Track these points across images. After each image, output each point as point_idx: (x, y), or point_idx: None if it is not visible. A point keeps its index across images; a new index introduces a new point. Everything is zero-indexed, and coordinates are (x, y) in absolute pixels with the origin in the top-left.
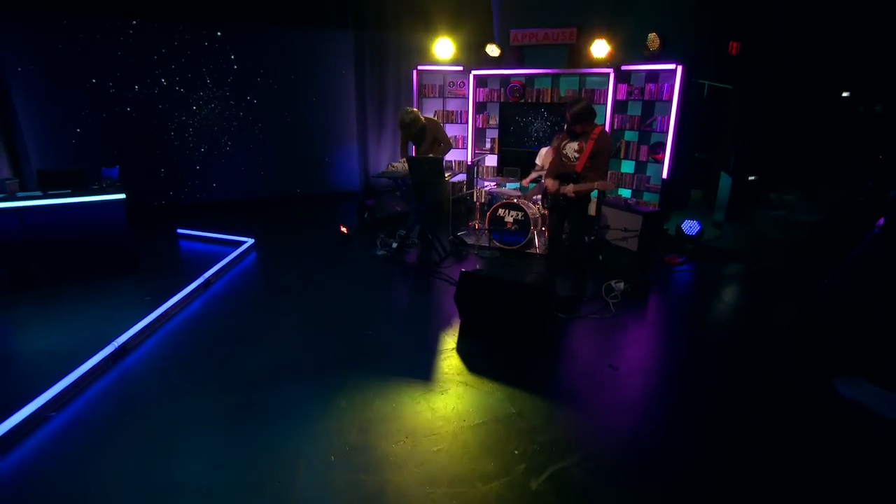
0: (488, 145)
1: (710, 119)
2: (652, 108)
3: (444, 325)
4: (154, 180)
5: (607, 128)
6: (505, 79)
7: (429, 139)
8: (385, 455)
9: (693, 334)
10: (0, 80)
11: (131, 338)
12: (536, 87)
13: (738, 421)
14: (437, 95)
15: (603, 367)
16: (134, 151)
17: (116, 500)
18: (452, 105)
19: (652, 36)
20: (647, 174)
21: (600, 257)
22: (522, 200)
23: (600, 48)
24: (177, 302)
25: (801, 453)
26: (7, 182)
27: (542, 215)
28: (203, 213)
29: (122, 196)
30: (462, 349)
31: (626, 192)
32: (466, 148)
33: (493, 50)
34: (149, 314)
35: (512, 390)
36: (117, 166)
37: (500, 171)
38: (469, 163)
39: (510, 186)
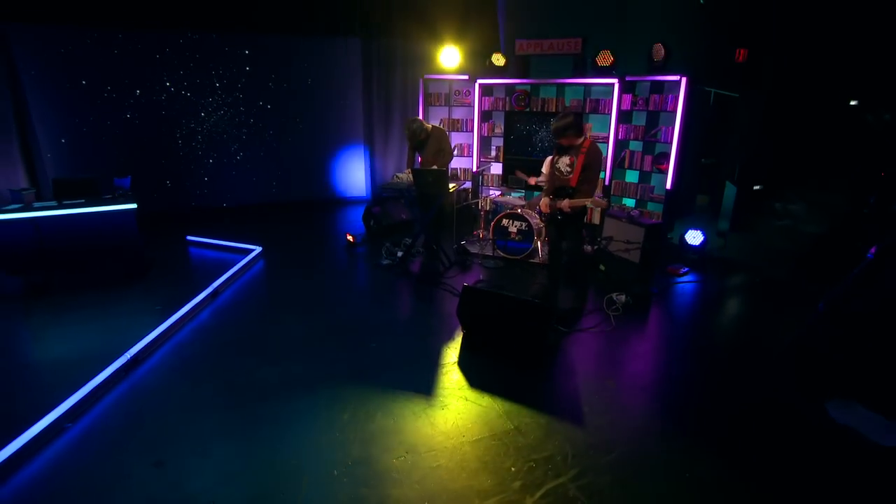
0: (493, 153)
1: (716, 125)
2: (657, 118)
3: (446, 337)
4: (164, 185)
5: (612, 137)
6: (510, 88)
7: (434, 147)
8: (386, 469)
9: (692, 350)
10: (17, 90)
11: (143, 349)
12: (542, 96)
13: (730, 444)
14: (444, 104)
15: (601, 383)
16: (145, 157)
17: None
18: (458, 113)
19: (657, 46)
20: (652, 184)
21: (602, 267)
22: (526, 211)
23: (605, 58)
24: (186, 312)
25: (790, 478)
26: (24, 192)
27: (546, 224)
28: (212, 217)
29: (134, 206)
30: (463, 363)
31: (630, 202)
32: (472, 156)
33: (498, 59)
34: (159, 325)
35: (511, 406)
36: (129, 176)
37: (506, 179)
38: (474, 171)
39: (514, 195)
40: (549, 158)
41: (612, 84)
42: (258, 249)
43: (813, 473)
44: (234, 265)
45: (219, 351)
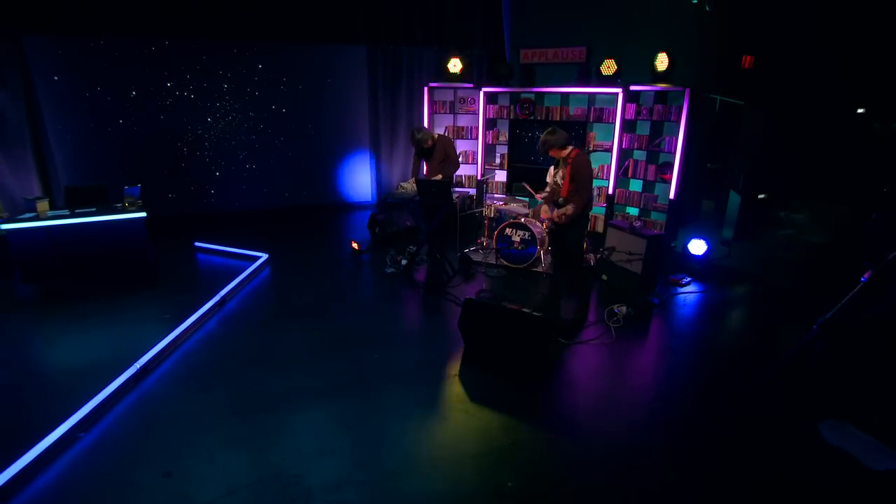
0: (498, 161)
1: (722, 130)
2: (661, 128)
3: (448, 349)
4: (173, 190)
5: (616, 146)
6: (515, 96)
7: (439, 156)
8: (388, 481)
9: (691, 364)
10: (31, 99)
11: (152, 358)
12: (546, 104)
13: (725, 462)
14: (448, 111)
15: (600, 397)
16: (153, 162)
17: None
18: (463, 121)
19: (661, 56)
20: (655, 193)
21: (604, 277)
22: (529, 220)
23: (609, 67)
24: (194, 322)
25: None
26: (37, 202)
27: (548, 234)
28: (220, 222)
29: (143, 214)
30: (464, 375)
31: (633, 211)
32: (476, 163)
33: (503, 68)
34: (168, 334)
35: (510, 420)
36: (139, 185)
37: (510, 187)
38: (479, 178)
39: (518, 202)
40: (552, 168)
41: (617, 93)
42: (264, 257)
43: (804, 496)
44: (241, 273)
45: (225, 361)
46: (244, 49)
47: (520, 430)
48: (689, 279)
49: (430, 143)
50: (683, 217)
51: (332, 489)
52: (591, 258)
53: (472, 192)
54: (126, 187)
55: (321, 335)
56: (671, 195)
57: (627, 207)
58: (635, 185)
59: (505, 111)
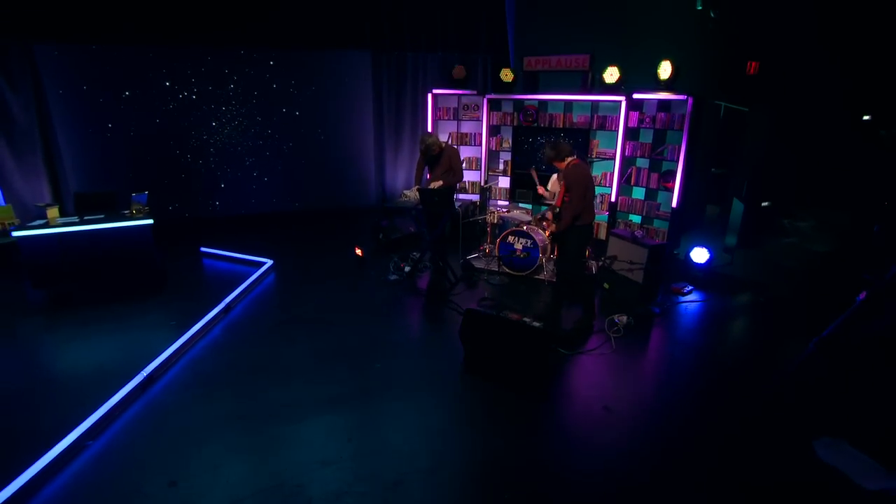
0: (501, 167)
1: (727, 136)
2: (663, 136)
3: (449, 358)
4: (179, 195)
5: (618, 154)
6: (518, 103)
7: (444, 165)
8: (387, 494)
9: (690, 376)
10: (42, 106)
11: (158, 366)
12: (550, 111)
13: (719, 479)
14: (452, 118)
15: (598, 409)
16: (161, 167)
17: None
18: (466, 127)
19: (664, 64)
20: (658, 201)
21: (606, 286)
22: (531, 227)
23: (612, 75)
24: (199, 329)
25: None
26: (47, 208)
27: (550, 241)
28: (226, 227)
29: (150, 221)
30: (465, 386)
31: (636, 218)
32: (480, 170)
33: (506, 75)
34: (174, 342)
35: (509, 431)
36: (146, 192)
37: (513, 194)
38: (483, 184)
39: (521, 208)
40: (554, 175)
41: (620, 101)
42: (269, 263)
43: None
44: (246, 279)
45: (230, 369)
46: (251, 55)
47: (519, 441)
48: (690, 288)
49: (437, 150)
50: (687, 223)
51: (332, 499)
52: (594, 266)
53: (476, 198)
54: (133, 195)
55: (324, 343)
56: (674, 203)
57: (630, 215)
58: (638, 193)
59: (508, 118)
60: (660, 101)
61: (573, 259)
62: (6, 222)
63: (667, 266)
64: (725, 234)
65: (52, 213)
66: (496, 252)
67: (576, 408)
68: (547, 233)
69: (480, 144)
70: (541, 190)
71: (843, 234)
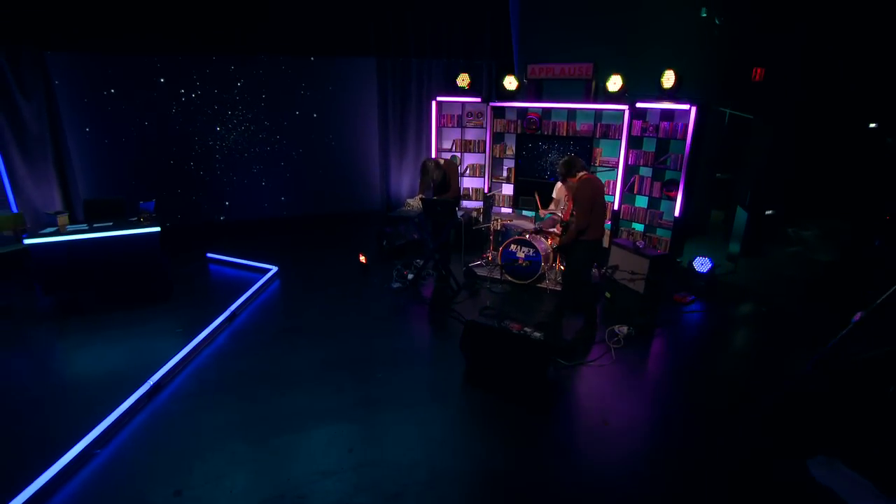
0: (505, 174)
1: (732, 141)
2: (667, 145)
3: (450, 368)
4: (186, 200)
5: (621, 162)
6: (522, 110)
7: (445, 183)
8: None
9: (688, 389)
10: (53, 113)
11: (165, 374)
12: (553, 119)
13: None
14: (456, 125)
15: (596, 422)
16: (168, 172)
17: None
18: (470, 134)
19: (668, 73)
20: (661, 210)
21: (608, 294)
22: (534, 236)
23: (615, 84)
24: (205, 337)
25: None
26: (58, 216)
27: (553, 251)
28: (232, 231)
29: (158, 229)
30: (464, 397)
31: (639, 227)
32: (484, 176)
33: (510, 82)
34: (180, 350)
35: (507, 443)
36: (153, 200)
37: (517, 201)
38: (486, 191)
39: (524, 215)
40: (559, 183)
41: (623, 110)
42: (274, 269)
43: None
44: (251, 286)
45: (234, 379)
46: (257, 61)
47: (516, 454)
48: (692, 297)
49: (438, 177)
50: (690, 229)
51: None
52: (596, 274)
53: (480, 205)
54: (141, 203)
55: (327, 352)
56: (676, 213)
57: (633, 223)
58: (641, 202)
59: (512, 125)
60: (663, 109)
61: (577, 272)
62: (18, 228)
63: (668, 276)
64: (729, 241)
65: (63, 220)
66: (499, 260)
67: (575, 420)
68: (550, 241)
69: (484, 151)
70: (542, 213)
71: (848, 244)
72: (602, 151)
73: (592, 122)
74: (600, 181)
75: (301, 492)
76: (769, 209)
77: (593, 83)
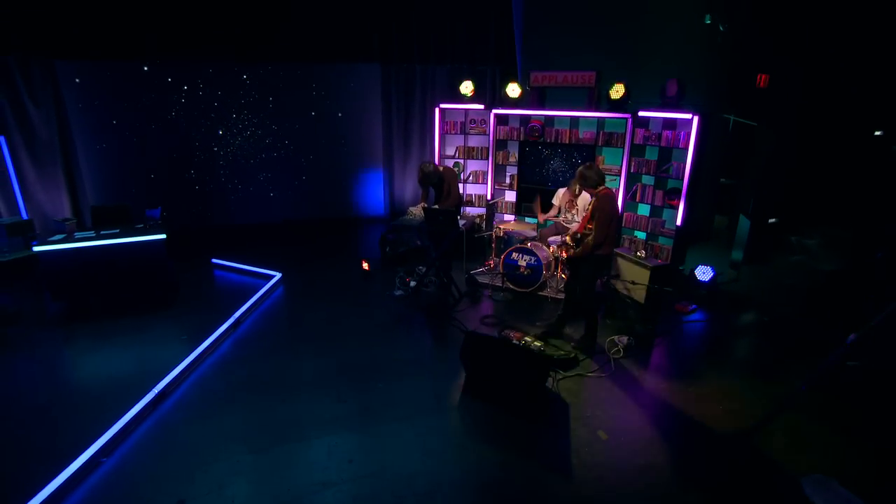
0: (507, 181)
1: (736, 147)
2: (669, 153)
3: (450, 378)
4: (193, 207)
5: (624, 170)
6: (525, 118)
7: (446, 188)
8: None
9: (687, 401)
10: (62, 119)
11: (169, 382)
12: (556, 126)
13: None
14: (459, 132)
15: (593, 434)
16: (173, 178)
17: None
18: (474, 141)
19: (670, 83)
20: (663, 218)
21: (608, 303)
22: (535, 244)
23: (618, 91)
24: (209, 345)
25: None
26: (66, 223)
27: (556, 259)
28: (237, 235)
29: (163, 236)
30: (464, 407)
31: (641, 235)
32: (486, 183)
33: (513, 90)
34: (184, 359)
35: (505, 456)
36: (159, 207)
37: (519, 208)
38: (489, 199)
39: (527, 222)
40: (562, 190)
41: (625, 118)
42: (278, 276)
43: None
44: (255, 293)
45: (237, 388)
46: (262, 69)
47: (514, 466)
48: (694, 306)
49: (435, 178)
50: (694, 235)
51: None
52: (598, 283)
53: (482, 211)
54: (147, 210)
55: (328, 362)
56: (678, 222)
57: (635, 231)
58: (643, 210)
59: (515, 132)
60: (665, 118)
61: (584, 284)
62: (27, 235)
63: (669, 286)
64: (732, 248)
65: (71, 227)
66: (500, 268)
67: (573, 432)
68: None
69: (487, 158)
70: (541, 219)
71: (848, 254)
72: (604, 159)
73: (595, 130)
74: (615, 196)
75: (301, 503)
76: (772, 217)
77: (596, 91)
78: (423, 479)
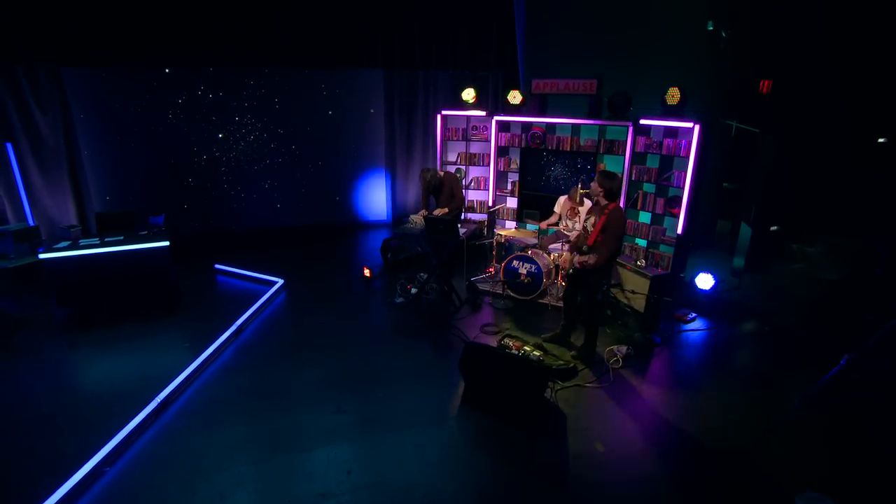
0: (509, 188)
1: (738, 152)
2: (670, 162)
3: (449, 388)
4: (196, 212)
5: (625, 178)
6: (526, 125)
7: (447, 193)
8: None
9: (685, 413)
10: (69, 128)
11: (172, 391)
12: (557, 133)
13: None
14: (461, 138)
15: (591, 445)
16: (178, 184)
17: None
18: (475, 148)
19: (672, 90)
20: (664, 226)
21: (608, 312)
22: (536, 251)
23: (619, 100)
24: (211, 353)
25: None
26: (72, 230)
27: (556, 266)
28: (242, 240)
29: (167, 243)
30: (462, 418)
31: (642, 242)
32: (488, 189)
33: (515, 97)
34: (187, 367)
35: (503, 467)
36: (163, 215)
37: (521, 215)
38: (490, 205)
39: (529, 228)
40: (563, 197)
41: (627, 126)
42: (280, 282)
43: None
44: (258, 300)
45: (238, 397)
46: (268, 74)
47: (513, 477)
48: (694, 315)
49: (436, 182)
50: (695, 241)
51: None
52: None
53: (484, 217)
54: (151, 217)
55: (329, 371)
56: (679, 230)
57: (636, 239)
58: (644, 217)
59: (517, 139)
60: (666, 127)
61: (587, 295)
62: (33, 241)
63: (669, 295)
64: (734, 255)
65: (77, 234)
66: (501, 276)
67: (571, 444)
68: (552, 256)
69: (489, 165)
70: (543, 225)
71: (850, 265)
72: (605, 167)
73: (596, 138)
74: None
75: None
76: (774, 225)
77: (598, 99)
78: (422, 491)
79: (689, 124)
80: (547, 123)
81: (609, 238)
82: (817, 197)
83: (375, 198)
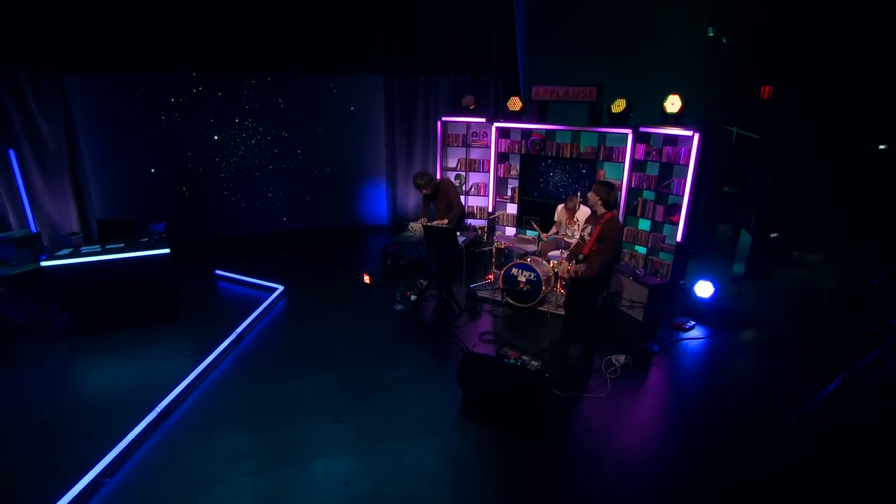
0: (509, 194)
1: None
2: (670, 169)
3: (447, 398)
4: (197, 217)
5: (625, 185)
6: (526, 131)
7: (444, 200)
8: None
9: (684, 423)
10: (71, 134)
11: (172, 401)
12: (557, 140)
13: None
14: (461, 145)
15: (591, 455)
16: (180, 189)
17: None
18: (475, 154)
19: (672, 98)
20: (663, 233)
21: (607, 320)
22: (535, 259)
23: (619, 106)
24: (211, 361)
25: None
26: (73, 237)
27: (555, 274)
28: (242, 245)
29: (167, 251)
30: (461, 429)
31: (642, 249)
32: (488, 195)
33: (514, 103)
34: (186, 376)
35: (501, 478)
36: (163, 222)
37: (521, 221)
38: (490, 211)
39: (529, 234)
40: (561, 206)
41: (627, 133)
42: (280, 289)
43: None
44: (258, 306)
45: (237, 406)
46: (266, 79)
47: (511, 488)
48: (693, 323)
49: (430, 189)
50: (695, 247)
51: None
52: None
53: (484, 223)
54: (151, 225)
55: (328, 379)
56: (678, 238)
57: (636, 246)
58: (644, 225)
59: (517, 145)
60: (666, 134)
61: (585, 304)
62: (35, 248)
63: (667, 306)
64: (733, 261)
65: (78, 241)
66: (500, 283)
67: (569, 454)
68: (551, 264)
69: (489, 171)
70: (545, 237)
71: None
72: (605, 174)
73: (596, 145)
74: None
75: None
76: (774, 232)
77: (597, 106)
78: (419, 503)
79: (689, 132)
80: (547, 130)
81: (605, 248)
82: (818, 204)
83: (376, 203)
